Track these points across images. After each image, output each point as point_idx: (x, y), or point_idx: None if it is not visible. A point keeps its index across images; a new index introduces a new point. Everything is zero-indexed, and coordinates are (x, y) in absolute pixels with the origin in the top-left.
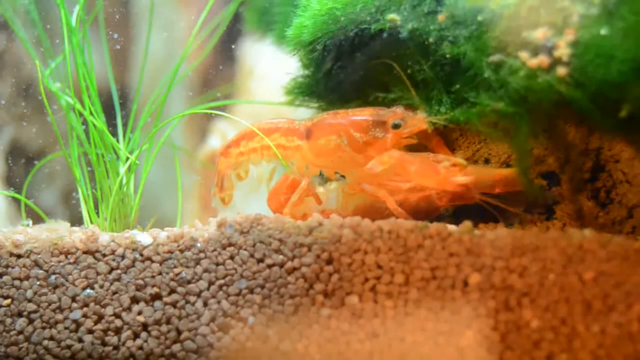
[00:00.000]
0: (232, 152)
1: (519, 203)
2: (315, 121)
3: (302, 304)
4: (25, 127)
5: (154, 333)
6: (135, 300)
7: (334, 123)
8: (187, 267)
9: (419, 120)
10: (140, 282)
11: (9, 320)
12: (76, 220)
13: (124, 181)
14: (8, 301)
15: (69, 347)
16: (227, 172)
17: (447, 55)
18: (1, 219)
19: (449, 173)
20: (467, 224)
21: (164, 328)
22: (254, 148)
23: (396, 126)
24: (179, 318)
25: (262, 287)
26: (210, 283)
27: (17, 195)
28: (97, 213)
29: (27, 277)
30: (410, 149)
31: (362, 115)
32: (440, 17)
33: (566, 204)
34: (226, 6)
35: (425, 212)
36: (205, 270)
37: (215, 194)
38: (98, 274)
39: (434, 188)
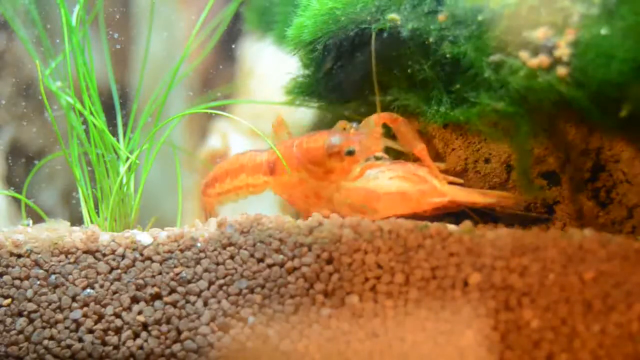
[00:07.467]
0: (210, 193)
1: (513, 207)
2: (274, 157)
3: (302, 303)
4: (25, 127)
5: (154, 333)
6: (135, 300)
7: (291, 160)
8: (187, 266)
9: (374, 143)
10: (141, 281)
11: (9, 320)
12: (76, 220)
13: (124, 181)
14: (8, 301)
15: (69, 346)
16: (211, 207)
17: (448, 55)
18: (1, 218)
19: (424, 195)
20: (467, 223)
21: (164, 328)
22: (228, 189)
23: (350, 153)
24: (179, 318)
25: (263, 286)
26: (211, 283)
27: (17, 195)
28: (97, 213)
29: (28, 277)
30: (395, 156)
31: (316, 145)
32: (441, 17)
33: (566, 204)
34: (226, 6)
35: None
36: (206, 270)
37: None
38: (98, 273)
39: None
